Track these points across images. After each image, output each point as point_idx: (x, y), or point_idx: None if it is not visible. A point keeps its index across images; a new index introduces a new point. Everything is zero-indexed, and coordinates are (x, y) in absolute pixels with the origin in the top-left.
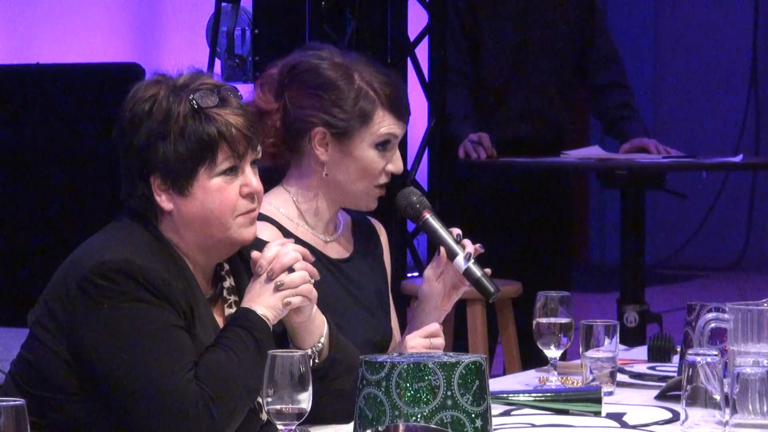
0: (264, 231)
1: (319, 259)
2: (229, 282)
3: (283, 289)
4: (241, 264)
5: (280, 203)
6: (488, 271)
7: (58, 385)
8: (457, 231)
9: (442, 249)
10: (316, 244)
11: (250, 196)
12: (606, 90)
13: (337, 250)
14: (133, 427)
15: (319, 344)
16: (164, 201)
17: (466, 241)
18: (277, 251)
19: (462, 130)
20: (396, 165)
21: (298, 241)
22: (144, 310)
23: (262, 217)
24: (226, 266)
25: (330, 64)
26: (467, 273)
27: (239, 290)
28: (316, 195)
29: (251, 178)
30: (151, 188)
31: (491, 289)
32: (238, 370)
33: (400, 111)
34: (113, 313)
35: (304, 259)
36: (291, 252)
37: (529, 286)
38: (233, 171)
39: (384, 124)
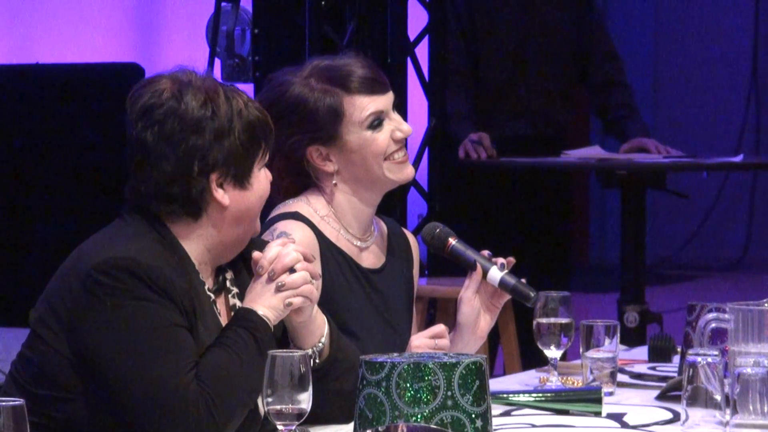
0: (297, 231)
1: (350, 267)
2: (230, 274)
3: (284, 290)
4: (238, 257)
5: (320, 205)
6: (523, 280)
7: (59, 383)
8: (486, 252)
9: (477, 266)
10: (350, 252)
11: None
12: (605, 88)
13: (369, 260)
14: (133, 426)
15: (320, 344)
16: (221, 196)
17: (497, 259)
18: (279, 252)
19: (462, 130)
20: (401, 129)
21: (333, 248)
22: (147, 309)
23: (298, 217)
24: None
25: (288, 86)
26: (503, 283)
27: (238, 282)
28: (349, 201)
29: (268, 172)
30: (210, 186)
31: (530, 293)
32: (238, 370)
33: (369, 87)
34: (116, 310)
35: (305, 259)
36: (292, 252)
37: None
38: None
39: (358, 107)
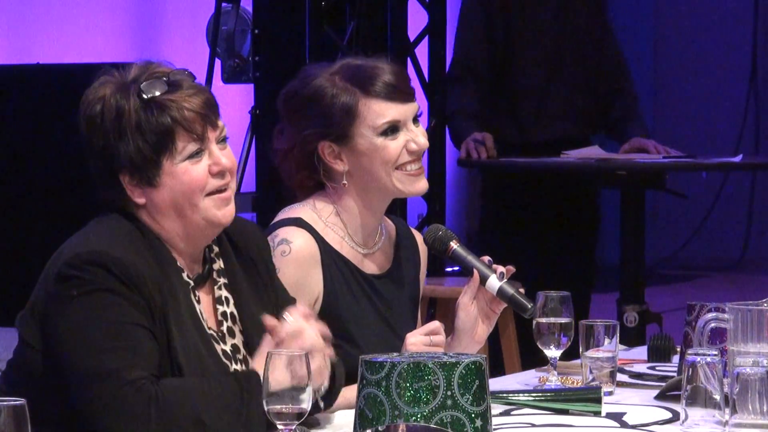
0: (298, 238)
1: (352, 274)
2: (218, 264)
3: None
4: (230, 247)
5: (325, 211)
6: (522, 290)
7: (41, 382)
8: (487, 258)
9: (475, 273)
10: (353, 258)
11: (221, 174)
12: (612, 96)
13: (374, 265)
14: (84, 415)
15: (322, 389)
16: (137, 196)
17: (497, 266)
18: (302, 330)
19: (465, 128)
20: (417, 141)
21: (335, 255)
22: (112, 301)
23: (301, 223)
24: (216, 248)
25: (312, 78)
26: (501, 292)
27: (228, 272)
28: (357, 206)
29: (219, 156)
30: (122, 185)
31: (527, 304)
32: (202, 399)
33: (389, 94)
34: (82, 300)
35: (323, 336)
36: (313, 337)
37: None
38: (198, 153)
39: (374, 111)
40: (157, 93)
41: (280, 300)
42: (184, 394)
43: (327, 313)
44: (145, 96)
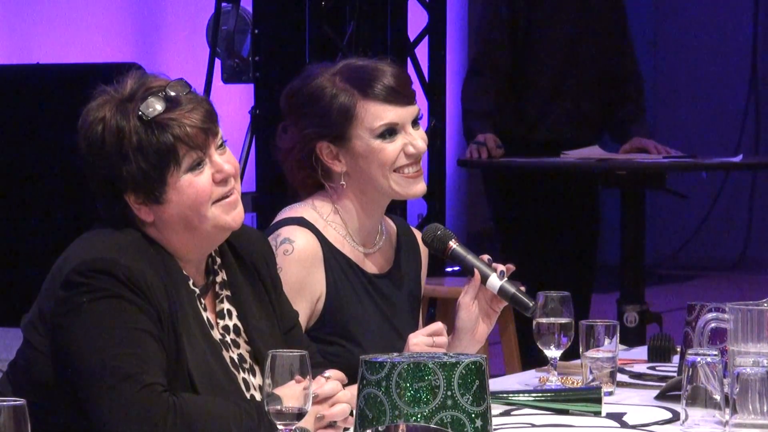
0: (300, 237)
1: (355, 273)
2: (221, 276)
3: (323, 420)
4: (233, 257)
5: (325, 210)
6: (522, 288)
7: (49, 388)
8: (486, 257)
9: (476, 272)
10: (354, 258)
11: (224, 181)
12: (618, 102)
13: (376, 265)
14: (97, 419)
15: None
16: (144, 213)
17: (497, 265)
18: (336, 395)
19: (474, 128)
20: (414, 144)
21: (338, 254)
22: (122, 308)
23: (303, 223)
24: (219, 260)
25: (314, 78)
26: (502, 291)
27: (231, 284)
28: (355, 207)
29: (220, 162)
30: (128, 205)
31: (529, 302)
32: (221, 419)
33: (388, 97)
34: (92, 307)
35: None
36: (345, 407)
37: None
38: (200, 164)
39: (371, 114)
40: (157, 112)
41: (284, 312)
42: (204, 411)
43: (329, 311)
44: (144, 116)
